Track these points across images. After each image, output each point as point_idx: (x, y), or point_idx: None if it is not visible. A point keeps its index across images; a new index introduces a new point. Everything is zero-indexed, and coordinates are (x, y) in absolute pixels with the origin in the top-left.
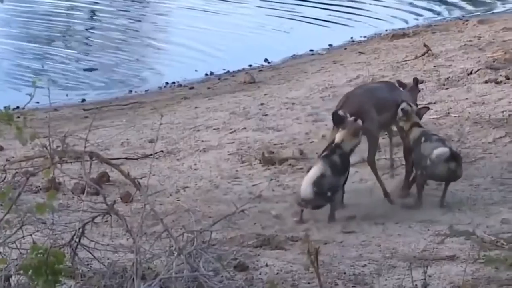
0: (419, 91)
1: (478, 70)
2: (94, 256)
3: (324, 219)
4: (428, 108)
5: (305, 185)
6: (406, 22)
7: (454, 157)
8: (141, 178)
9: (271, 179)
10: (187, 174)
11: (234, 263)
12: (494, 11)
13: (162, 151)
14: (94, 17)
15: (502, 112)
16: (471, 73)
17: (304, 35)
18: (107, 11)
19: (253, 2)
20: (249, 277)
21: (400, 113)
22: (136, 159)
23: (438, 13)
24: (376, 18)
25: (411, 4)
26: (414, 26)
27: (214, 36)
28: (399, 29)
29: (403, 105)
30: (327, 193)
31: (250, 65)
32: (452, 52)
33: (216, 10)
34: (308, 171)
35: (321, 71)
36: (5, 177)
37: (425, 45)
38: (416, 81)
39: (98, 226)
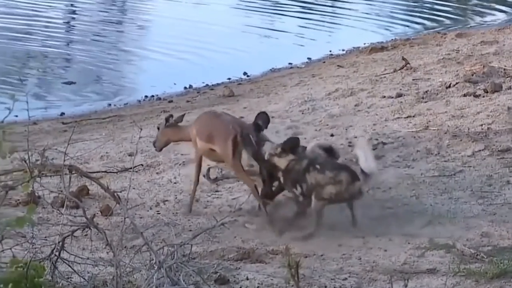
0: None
1: (457, 83)
2: (74, 270)
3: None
4: None
5: (371, 160)
6: (385, 35)
7: None
8: (120, 192)
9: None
10: (167, 188)
11: (215, 277)
12: (472, 24)
13: (141, 165)
14: (73, 31)
15: (481, 125)
16: (449, 86)
17: (282, 49)
18: (86, 24)
19: (231, 15)
20: None
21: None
22: (116, 172)
23: (417, 27)
24: (355, 32)
25: (389, 17)
26: (392, 39)
27: (193, 49)
28: (378, 42)
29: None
30: None
31: (229, 79)
32: (431, 66)
33: (194, 21)
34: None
35: (300, 85)
36: None
37: (403, 59)
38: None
39: (78, 240)
